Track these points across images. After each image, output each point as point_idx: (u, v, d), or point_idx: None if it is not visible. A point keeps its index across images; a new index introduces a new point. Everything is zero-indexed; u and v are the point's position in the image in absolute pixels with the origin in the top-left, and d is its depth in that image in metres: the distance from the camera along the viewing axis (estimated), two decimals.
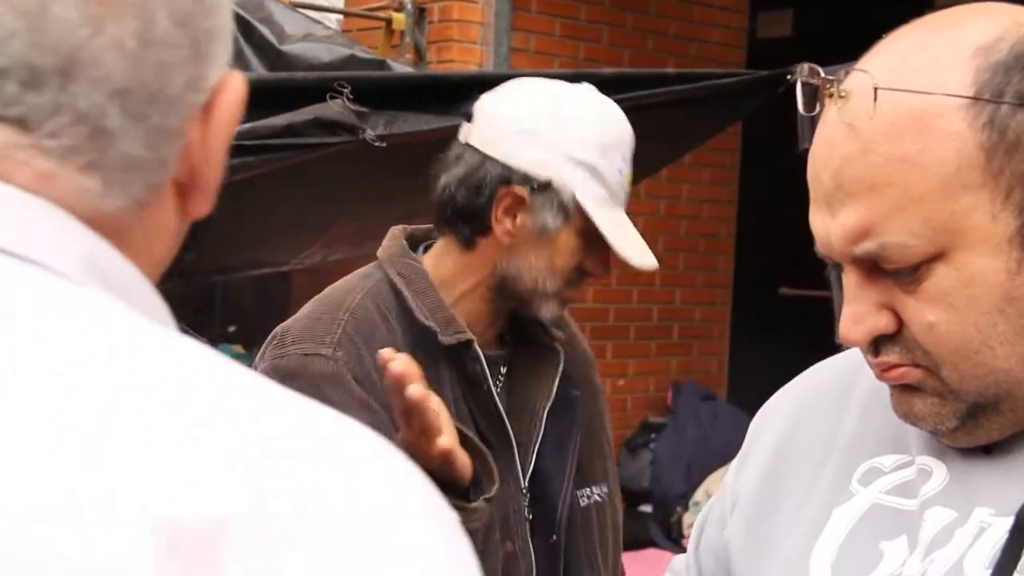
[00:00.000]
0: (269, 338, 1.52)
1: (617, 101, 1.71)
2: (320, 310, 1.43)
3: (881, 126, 0.77)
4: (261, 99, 2.42)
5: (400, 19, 3.92)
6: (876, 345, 0.82)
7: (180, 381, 0.48)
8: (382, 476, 0.46)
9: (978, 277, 0.78)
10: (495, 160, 1.41)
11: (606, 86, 1.80)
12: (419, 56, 3.94)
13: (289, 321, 1.49)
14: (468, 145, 1.46)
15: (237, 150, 2.57)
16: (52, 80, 0.50)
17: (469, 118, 1.52)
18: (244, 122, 2.63)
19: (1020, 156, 0.76)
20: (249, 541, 0.43)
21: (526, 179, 1.41)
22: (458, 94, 2.39)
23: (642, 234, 1.53)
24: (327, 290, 1.53)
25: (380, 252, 1.53)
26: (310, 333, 1.41)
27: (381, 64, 2.96)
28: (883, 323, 0.81)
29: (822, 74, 0.81)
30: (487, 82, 2.02)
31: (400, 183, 2.60)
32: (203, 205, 0.59)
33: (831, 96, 0.80)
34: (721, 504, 1.07)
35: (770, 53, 4.00)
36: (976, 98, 0.76)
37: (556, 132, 1.43)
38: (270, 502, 0.44)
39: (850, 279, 0.82)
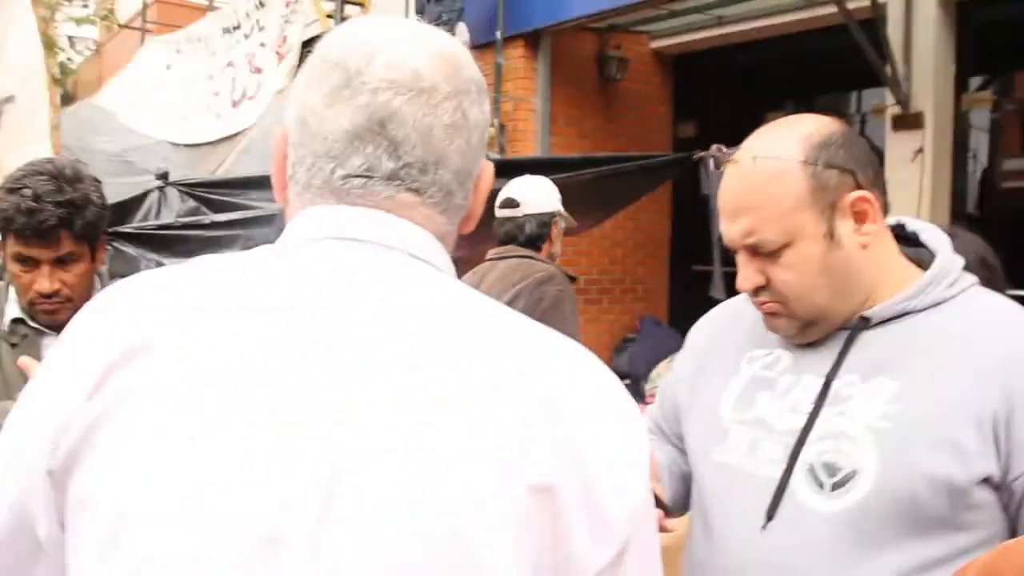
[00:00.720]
0: None
1: (587, 171, 4.14)
2: None
3: (756, 176, 1.23)
4: None
5: (492, 131, 6.70)
6: (756, 292, 1.27)
7: (506, 314, 0.83)
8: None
9: (807, 255, 1.23)
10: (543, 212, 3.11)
11: (589, 162, 4.37)
12: (501, 150, 6.65)
13: None
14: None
15: None
16: (431, 168, 0.86)
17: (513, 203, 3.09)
18: None
19: (826, 194, 1.22)
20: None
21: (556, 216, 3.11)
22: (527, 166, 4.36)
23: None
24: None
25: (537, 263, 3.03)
26: None
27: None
28: (759, 279, 1.25)
29: (724, 150, 1.30)
30: (536, 162, 4.67)
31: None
32: (469, 227, 0.94)
33: (730, 161, 1.26)
34: (672, 381, 1.54)
35: (684, 146, 6.38)
36: (804, 162, 1.21)
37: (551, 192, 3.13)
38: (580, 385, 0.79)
39: (741, 257, 1.27)
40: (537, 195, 3.22)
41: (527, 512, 0.74)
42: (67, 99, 11.92)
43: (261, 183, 3.91)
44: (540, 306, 2.95)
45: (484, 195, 0.94)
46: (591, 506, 0.77)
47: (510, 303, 2.85)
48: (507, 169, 4.24)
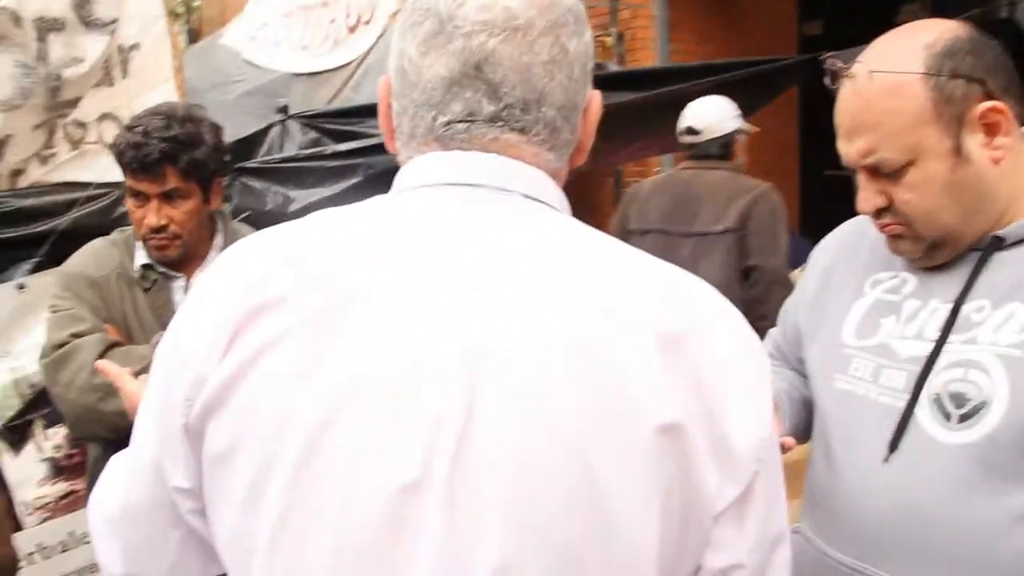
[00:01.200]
0: None
1: (708, 79, 3.88)
2: None
3: (874, 92, 1.15)
4: None
5: (609, 41, 6.53)
6: (878, 213, 1.21)
7: (621, 250, 0.85)
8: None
9: (931, 174, 1.15)
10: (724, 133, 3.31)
11: (709, 70, 4.04)
12: (620, 60, 6.57)
13: None
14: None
15: None
16: (533, 107, 0.85)
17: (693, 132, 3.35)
18: None
19: (951, 106, 1.13)
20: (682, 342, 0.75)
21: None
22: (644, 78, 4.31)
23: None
24: None
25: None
26: None
27: (600, 66, 4.73)
28: (880, 200, 1.19)
29: (839, 63, 1.19)
30: (656, 73, 4.47)
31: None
32: (581, 160, 0.93)
33: (846, 76, 1.18)
34: (794, 302, 1.48)
35: (810, 45, 6.11)
36: (926, 73, 1.12)
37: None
38: (688, 314, 0.78)
39: (861, 177, 1.21)
40: (715, 119, 3.37)
41: (656, 453, 0.75)
42: (193, 36, 12.22)
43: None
44: (775, 215, 3.20)
45: (593, 125, 0.93)
46: (718, 444, 0.77)
47: (748, 210, 3.15)
48: (627, 81, 4.18)
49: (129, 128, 1.94)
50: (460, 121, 0.85)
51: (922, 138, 1.14)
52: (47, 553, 2.83)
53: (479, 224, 0.83)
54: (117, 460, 0.97)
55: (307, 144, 3.76)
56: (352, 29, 6.88)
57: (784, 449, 1.10)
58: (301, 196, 3.63)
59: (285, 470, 0.77)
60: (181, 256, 1.98)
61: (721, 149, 3.36)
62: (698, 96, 3.53)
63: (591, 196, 6.70)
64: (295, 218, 2.41)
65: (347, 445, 0.76)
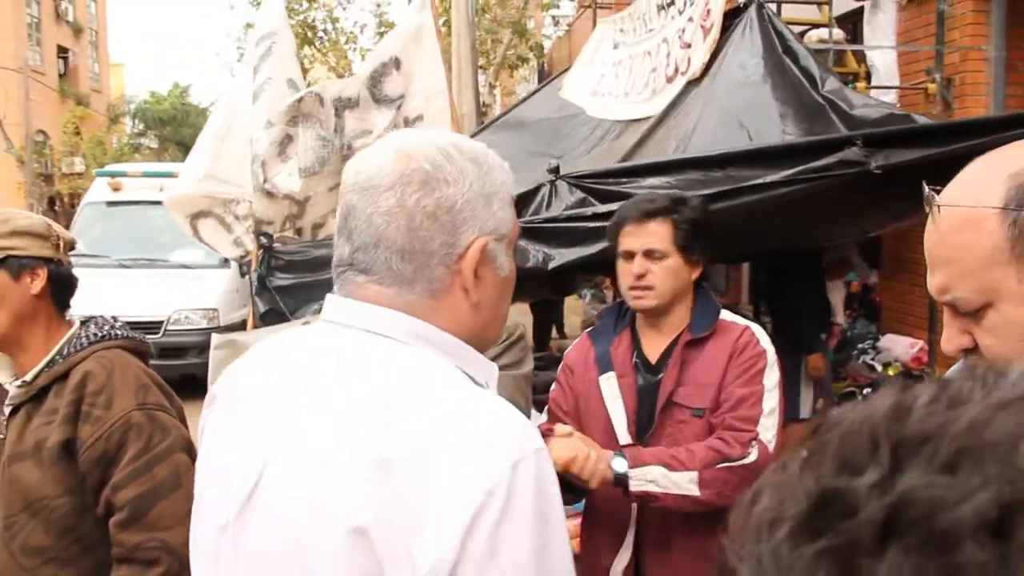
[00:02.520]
0: None
1: None
2: None
3: (946, 223, 1.07)
4: (811, 149, 3.78)
5: (933, 87, 6.13)
6: (964, 353, 1.12)
7: (434, 391, 1.01)
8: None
9: (1011, 319, 1.04)
10: None
11: None
12: (947, 106, 6.10)
13: None
14: None
15: (793, 182, 3.56)
16: (371, 248, 1.07)
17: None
18: (795, 165, 3.58)
19: None
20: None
21: None
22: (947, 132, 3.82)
23: None
24: None
25: None
26: None
27: (906, 117, 4.20)
28: (964, 341, 1.10)
29: (927, 188, 1.10)
30: (989, 123, 3.91)
31: (891, 204, 3.91)
32: (475, 297, 1.10)
33: (929, 203, 1.10)
34: None
35: None
36: (1004, 208, 1.01)
37: None
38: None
39: (946, 314, 1.12)
40: None
41: (348, 549, 0.97)
42: (542, 76, 13.03)
43: (646, 171, 4.05)
44: None
45: (471, 266, 1.09)
46: (401, 550, 0.94)
47: None
48: (953, 132, 3.83)
49: None
50: (337, 266, 1.13)
51: (998, 279, 1.04)
52: None
53: (328, 351, 1.10)
54: None
55: (574, 204, 3.93)
56: (670, 79, 7.05)
57: None
58: (560, 255, 3.84)
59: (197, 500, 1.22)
60: None
61: None
62: None
63: None
64: (553, 277, 3.68)
65: (201, 494, 1.19)
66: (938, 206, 1.08)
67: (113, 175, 10.50)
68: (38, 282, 2.01)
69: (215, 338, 3.42)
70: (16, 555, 1.96)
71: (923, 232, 1.14)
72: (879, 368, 7.21)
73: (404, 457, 0.97)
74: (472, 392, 1.07)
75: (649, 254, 2.29)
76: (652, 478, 2.14)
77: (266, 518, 1.05)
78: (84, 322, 2.11)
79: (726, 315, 2.37)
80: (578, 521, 2.37)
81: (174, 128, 32.64)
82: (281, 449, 1.06)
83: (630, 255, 2.32)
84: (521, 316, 9.42)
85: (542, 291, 6.01)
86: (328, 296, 1.15)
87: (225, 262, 9.59)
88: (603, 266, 5.92)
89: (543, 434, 2.15)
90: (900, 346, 7.42)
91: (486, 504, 0.94)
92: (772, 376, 2.27)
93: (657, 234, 2.30)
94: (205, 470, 1.19)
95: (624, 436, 2.28)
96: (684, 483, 2.14)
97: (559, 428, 2.23)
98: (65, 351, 2.03)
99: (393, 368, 1.05)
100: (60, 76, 28.47)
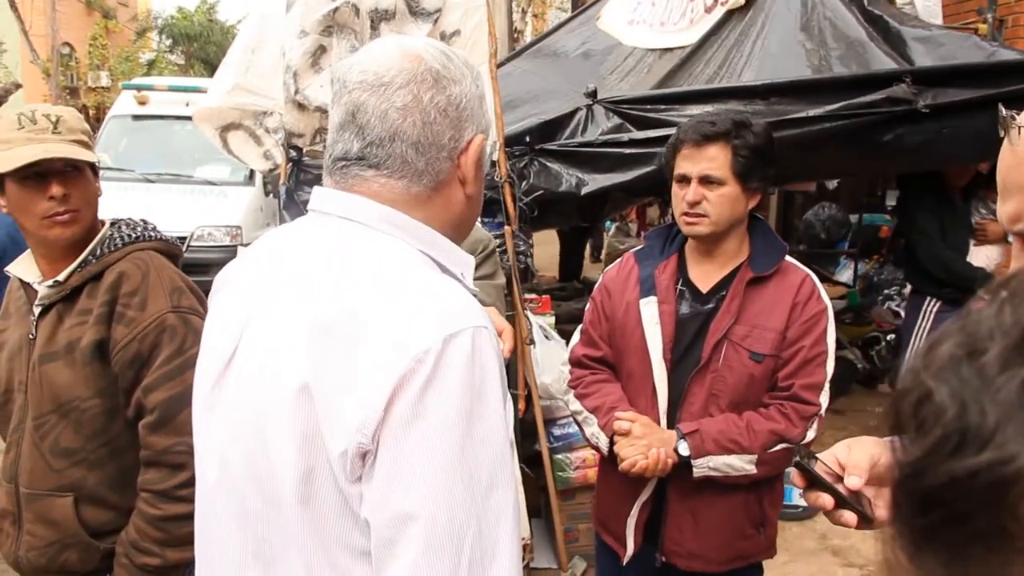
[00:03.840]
0: None
1: None
2: None
3: (1022, 149, 0.99)
4: (857, 83, 3.69)
5: (984, 28, 5.84)
6: None
7: (385, 266, 1.09)
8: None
9: None
10: None
11: None
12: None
13: None
14: None
15: (838, 116, 3.49)
16: (387, 142, 1.14)
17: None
18: (841, 99, 3.48)
19: None
20: None
21: None
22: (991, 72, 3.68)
23: None
24: None
25: None
26: None
27: (965, 38, 4.15)
28: None
29: (1008, 114, 1.03)
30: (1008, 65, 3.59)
31: (936, 138, 3.67)
32: (471, 190, 1.21)
33: (1009, 126, 1.03)
34: None
35: None
36: None
37: None
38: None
39: (1014, 246, 1.04)
40: None
41: (293, 408, 1.06)
42: (575, 4, 12.73)
43: (688, 98, 3.96)
44: None
45: (473, 161, 1.19)
46: (335, 407, 1.02)
47: None
48: (1009, 71, 3.74)
49: None
50: (340, 160, 1.17)
51: None
52: None
53: (317, 239, 1.17)
54: None
55: (610, 130, 3.86)
56: (709, 9, 6.85)
57: None
58: (594, 181, 3.78)
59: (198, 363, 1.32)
60: None
61: None
62: None
63: None
64: (585, 201, 3.89)
65: (201, 358, 1.28)
66: (1019, 127, 1.00)
67: (140, 88, 10.39)
68: (98, 183, 2.03)
69: (242, 251, 3.40)
70: (46, 455, 1.96)
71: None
72: (904, 314, 7.10)
73: (343, 320, 1.05)
74: (426, 272, 1.13)
75: (705, 180, 2.17)
76: (714, 466, 2.12)
77: (235, 386, 1.17)
78: (114, 223, 2.07)
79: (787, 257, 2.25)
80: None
81: (200, 45, 32.31)
82: (253, 324, 1.16)
83: (685, 179, 2.20)
84: (549, 244, 9.35)
85: (570, 218, 5.93)
86: (316, 188, 1.22)
87: (250, 179, 9.56)
88: (637, 193, 5.92)
89: (608, 421, 2.19)
90: None
91: (413, 370, 1.00)
92: (832, 335, 2.19)
93: (715, 160, 2.16)
94: (204, 343, 1.29)
95: (659, 363, 2.22)
96: (743, 465, 2.12)
97: (618, 423, 2.17)
98: (98, 251, 2.00)
99: (357, 245, 1.13)
100: None
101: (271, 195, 9.65)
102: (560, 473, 3.93)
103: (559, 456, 3.92)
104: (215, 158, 9.59)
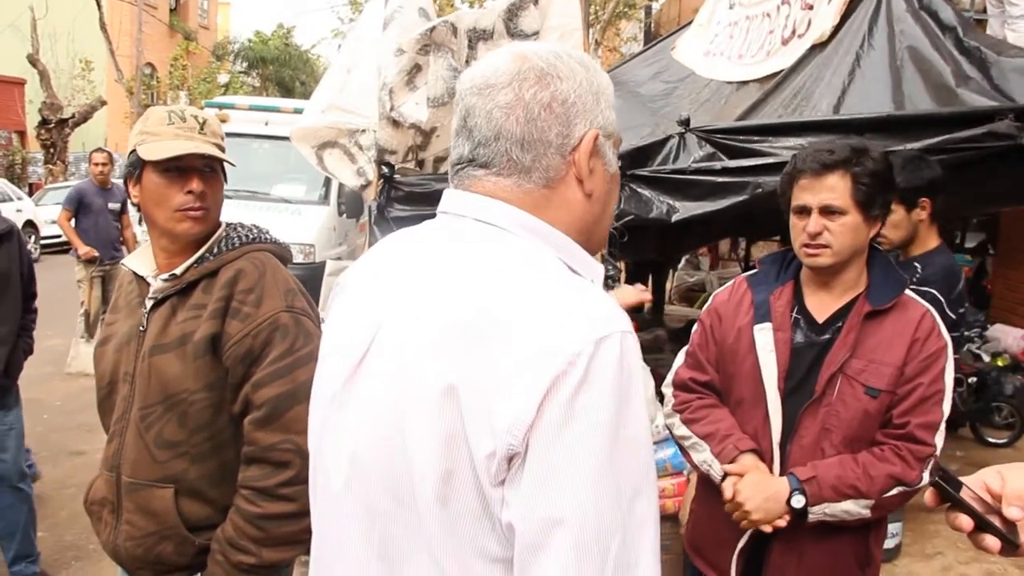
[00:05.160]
0: None
1: None
2: None
3: None
4: (955, 120, 3.59)
5: None
6: None
7: (528, 269, 1.10)
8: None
9: None
10: None
11: None
12: None
13: None
14: None
15: (936, 151, 3.34)
16: (492, 141, 1.16)
17: None
18: (938, 135, 3.37)
19: None
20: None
21: None
22: None
23: None
24: None
25: None
26: None
27: None
28: None
29: None
30: None
31: None
32: (590, 187, 1.19)
33: None
34: None
35: None
36: None
37: None
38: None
39: None
40: None
41: (439, 407, 1.05)
42: (648, 38, 12.78)
43: (783, 130, 3.90)
44: None
45: (585, 156, 1.16)
46: (483, 409, 1.01)
47: None
48: None
49: None
50: (456, 164, 1.20)
51: None
52: None
53: (441, 237, 1.19)
54: None
55: (703, 158, 3.82)
56: (785, 42, 6.80)
57: None
58: (685, 208, 3.74)
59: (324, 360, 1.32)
60: None
61: None
62: None
63: None
64: (675, 229, 3.51)
65: (321, 363, 1.30)
66: None
67: (221, 107, 10.65)
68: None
69: (330, 264, 3.44)
70: (150, 446, 1.98)
71: None
72: (986, 358, 6.90)
73: (483, 321, 1.05)
74: (568, 276, 1.12)
75: (826, 210, 2.10)
76: (831, 512, 2.07)
77: (369, 386, 1.16)
78: (230, 224, 2.11)
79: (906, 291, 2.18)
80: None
81: (275, 68, 33.10)
82: (388, 324, 1.16)
83: (805, 210, 2.14)
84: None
85: (645, 250, 5.88)
86: (445, 191, 1.22)
87: (324, 199, 9.70)
88: (725, 225, 5.79)
89: (723, 449, 2.19)
90: (1010, 337, 7.12)
91: (566, 372, 0.99)
92: (951, 374, 2.11)
93: (835, 189, 2.09)
94: (327, 343, 1.29)
95: (773, 392, 2.16)
96: (859, 510, 2.07)
97: (739, 465, 2.16)
98: (215, 249, 2.04)
99: (497, 249, 1.13)
100: (171, 11, 29.08)
101: (344, 215, 9.79)
102: None
103: None
104: (291, 177, 9.80)
